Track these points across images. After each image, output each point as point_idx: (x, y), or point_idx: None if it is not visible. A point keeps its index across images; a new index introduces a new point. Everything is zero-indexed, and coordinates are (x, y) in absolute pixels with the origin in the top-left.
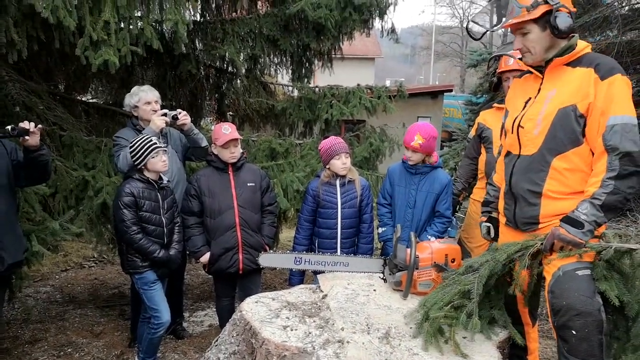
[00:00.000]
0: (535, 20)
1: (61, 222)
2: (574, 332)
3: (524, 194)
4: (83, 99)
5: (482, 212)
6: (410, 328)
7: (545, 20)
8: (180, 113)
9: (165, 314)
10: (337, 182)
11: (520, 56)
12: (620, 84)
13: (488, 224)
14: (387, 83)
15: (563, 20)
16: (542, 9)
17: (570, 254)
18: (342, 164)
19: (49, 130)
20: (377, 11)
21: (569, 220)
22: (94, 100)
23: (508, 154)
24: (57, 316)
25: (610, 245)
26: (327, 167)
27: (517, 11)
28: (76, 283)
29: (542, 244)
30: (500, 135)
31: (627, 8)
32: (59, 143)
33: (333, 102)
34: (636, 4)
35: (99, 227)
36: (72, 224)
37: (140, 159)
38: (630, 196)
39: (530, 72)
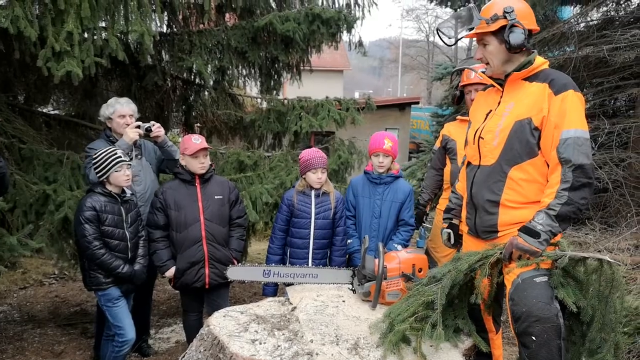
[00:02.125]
0: (494, 33)
1: (19, 238)
2: (533, 337)
3: (484, 204)
4: (44, 110)
5: (444, 219)
6: (379, 338)
7: (503, 34)
8: (154, 125)
9: (129, 332)
10: (312, 193)
11: (482, 70)
12: (573, 99)
13: (448, 230)
14: (356, 95)
15: (516, 36)
16: (500, 22)
17: (529, 262)
18: (317, 178)
19: (7, 143)
20: (345, 25)
21: (526, 230)
22: (56, 112)
23: (469, 164)
24: (15, 336)
25: (565, 254)
26: (303, 177)
27: (476, 22)
28: (35, 301)
29: (501, 253)
30: (465, 146)
31: (582, 25)
32: (19, 156)
33: (302, 114)
34: (591, 21)
35: (60, 243)
36: (31, 239)
37: (103, 172)
38: (583, 207)
39: (494, 86)
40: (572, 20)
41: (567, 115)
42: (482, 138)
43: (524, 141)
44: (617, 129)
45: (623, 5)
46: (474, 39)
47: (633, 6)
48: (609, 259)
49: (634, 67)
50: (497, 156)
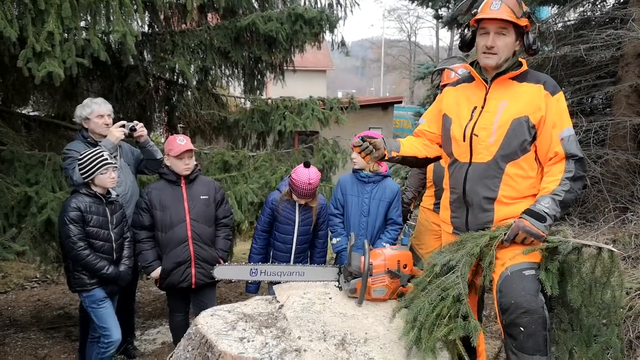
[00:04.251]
0: (516, 27)
1: (2, 241)
2: (522, 328)
3: (479, 201)
4: (23, 111)
5: None
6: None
7: (519, 33)
8: (137, 125)
9: (115, 333)
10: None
11: (461, 70)
12: (563, 100)
13: None
14: (339, 95)
15: (535, 40)
16: (525, 21)
17: (534, 248)
18: (302, 200)
19: None
20: (328, 25)
21: (533, 214)
22: (35, 114)
23: (455, 161)
24: None
25: (569, 240)
26: (290, 188)
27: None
28: (17, 305)
29: (505, 234)
30: (451, 142)
31: (560, 25)
32: None
33: (286, 113)
34: (568, 21)
35: (43, 246)
36: (14, 242)
37: (89, 173)
38: (578, 197)
39: (466, 82)
40: (550, 20)
41: (563, 115)
42: (477, 135)
43: (521, 138)
44: (594, 126)
45: (599, 6)
46: (456, 39)
47: (608, 7)
48: (611, 248)
49: (610, 66)
50: (494, 153)
